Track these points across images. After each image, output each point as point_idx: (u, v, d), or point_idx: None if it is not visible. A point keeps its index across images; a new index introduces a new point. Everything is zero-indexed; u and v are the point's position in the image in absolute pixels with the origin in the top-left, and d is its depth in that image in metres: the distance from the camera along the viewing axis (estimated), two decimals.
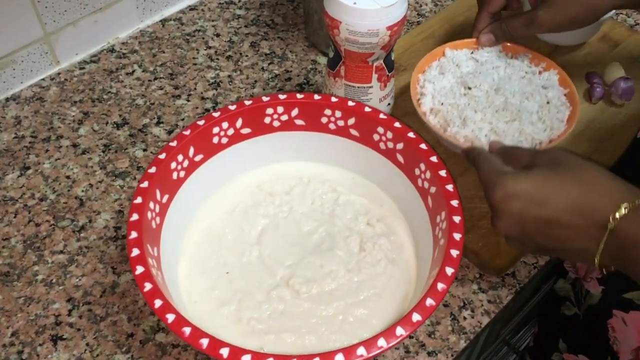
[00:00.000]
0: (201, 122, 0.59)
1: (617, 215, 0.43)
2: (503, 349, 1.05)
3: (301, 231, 0.61)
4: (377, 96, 0.69)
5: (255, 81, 0.79)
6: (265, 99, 0.62)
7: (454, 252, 0.51)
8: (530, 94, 0.65)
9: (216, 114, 0.60)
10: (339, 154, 0.65)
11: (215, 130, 0.60)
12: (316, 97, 0.62)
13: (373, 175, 0.64)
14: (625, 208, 0.43)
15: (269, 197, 0.63)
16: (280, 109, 0.62)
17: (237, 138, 0.62)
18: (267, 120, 0.63)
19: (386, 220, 0.62)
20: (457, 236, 0.52)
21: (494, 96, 0.65)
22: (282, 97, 0.62)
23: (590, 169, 0.47)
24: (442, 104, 0.65)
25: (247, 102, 0.62)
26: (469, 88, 0.66)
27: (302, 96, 0.62)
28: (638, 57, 0.79)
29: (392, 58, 0.67)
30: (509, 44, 0.71)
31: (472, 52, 0.71)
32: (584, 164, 0.48)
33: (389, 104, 0.71)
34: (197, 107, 0.76)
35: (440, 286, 0.49)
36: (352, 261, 0.59)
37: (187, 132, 0.59)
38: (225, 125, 0.61)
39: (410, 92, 0.67)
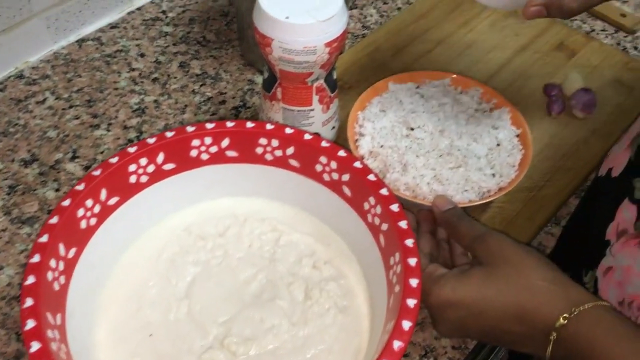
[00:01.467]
0: (114, 160, 0.51)
1: (557, 325, 0.42)
2: None
3: (237, 280, 0.53)
4: (320, 120, 0.61)
5: (186, 106, 0.71)
6: (190, 129, 0.54)
7: (411, 302, 0.44)
8: (479, 135, 0.59)
9: (132, 149, 0.52)
10: (278, 187, 0.57)
11: (132, 167, 0.52)
12: (249, 124, 0.55)
13: (318, 210, 0.57)
14: (564, 319, 0.42)
15: (200, 241, 0.55)
16: (208, 140, 0.54)
17: (159, 175, 0.54)
18: (194, 153, 0.55)
19: (334, 262, 0.54)
20: (414, 282, 0.45)
21: (438, 138, 0.59)
22: (209, 126, 0.54)
23: (530, 271, 0.45)
24: (381, 146, 0.59)
25: (169, 134, 0.53)
26: (412, 129, 0.60)
27: (232, 124, 0.55)
28: (597, 66, 0.74)
29: (335, 77, 0.60)
30: (456, 76, 0.65)
31: (417, 87, 0.64)
32: (524, 262, 0.46)
33: (333, 127, 0.64)
34: (118, 138, 0.67)
35: (397, 345, 0.42)
36: (297, 312, 0.51)
37: (98, 173, 0.50)
38: (143, 161, 0.52)
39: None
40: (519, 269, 0.46)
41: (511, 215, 0.61)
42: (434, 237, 0.55)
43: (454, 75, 0.66)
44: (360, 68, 0.74)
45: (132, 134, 0.67)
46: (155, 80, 0.73)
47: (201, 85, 0.73)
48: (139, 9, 0.80)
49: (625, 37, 0.80)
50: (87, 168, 0.64)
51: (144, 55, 0.75)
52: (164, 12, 0.80)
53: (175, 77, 0.73)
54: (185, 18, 0.80)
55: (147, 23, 0.79)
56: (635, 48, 0.78)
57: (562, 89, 0.70)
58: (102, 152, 0.66)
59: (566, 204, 0.64)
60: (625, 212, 0.47)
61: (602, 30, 0.81)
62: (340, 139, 0.64)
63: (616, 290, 0.48)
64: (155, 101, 0.71)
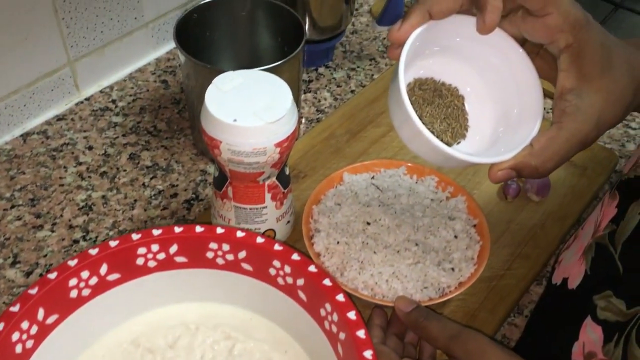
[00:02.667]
0: (52, 275, 0.48)
1: None
2: None
3: None
4: (273, 216, 0.60)
5: (135, 200, 0.68)
6: (135, 236, 0.51)
7: None
8: (435, 227, 0.59)
9: (72, 262, 0.49)
10: (231, 291, 0.55)
11: (73, 282, 0.49)
12: (198, 229, 0.52)
13: (274, 314, 0.54)
14: None
15: (148, 354, 0.52)
16: (155, 247, 0.52)
17: (102, 287, 0.51)
18: (140, 261, 0.52)
19: None
20: None
21: (395, 233, 0.57)
22: (156, 232, 0.52)
23: None
24: (337, 242, 0.57)
25: (113, 244, 0.51)
26: (368, 223, 0.58)
27: (181, 230, 0.52)
28: None
29: (287, 172, 0.59)
30: (411, 164, 0.65)
31: (372, 177, 0.64)
32: None
33: (288, 221, 0.62)
34: (63, 239, 0.64)
35: None
36: None
37: (34, 291, 0.47)
38: (85, 274, 0.49)
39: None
40: None
41: (473, 308, 0.59)
42: (401, 339, 0.53)
43: (409, 164, 0.65)
44: (315, 155, 0.73)
45: (78, 234, 0.64)
46: (103, 174, 0.70)
47: (152, 178, 0.71)
48: (87, 99, 0.79)
49: None
50: (28, 274, 0.61)
51: (92, 147, 0.73)
52: (113, 101, 0.79)
53: (124, 170, 0.71)
54: (136, 107, 0.78)
55: (96, 113, 0.77)
56: None
57: None
58: (45, 256, 0.62)
59: (528, 291, 0.63)
60: (590, 333, 0.45)
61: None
62: (297, 231, 0.63)
63: None
64: (103, 197, 0.68)
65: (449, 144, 0.45)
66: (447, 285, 0.56)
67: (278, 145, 0.52)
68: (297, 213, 0.64)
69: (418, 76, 0.46)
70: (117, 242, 0.51)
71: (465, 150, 0.46)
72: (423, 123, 0.43)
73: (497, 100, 0.46)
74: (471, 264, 0.57)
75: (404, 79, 0.41)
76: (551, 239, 0.65)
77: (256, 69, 0.61)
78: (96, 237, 0.65)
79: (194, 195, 0.69)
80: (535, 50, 0.44)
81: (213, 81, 0.54)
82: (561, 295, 0.50)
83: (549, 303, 0.55)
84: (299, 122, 0.75)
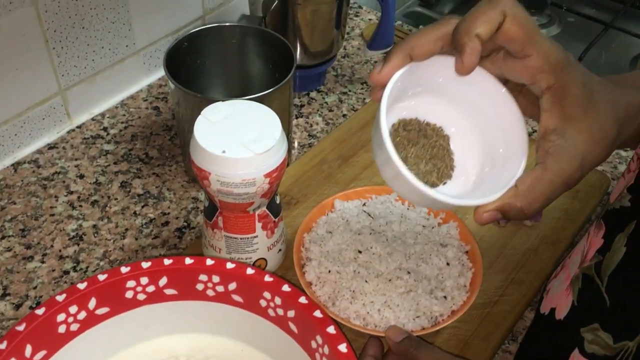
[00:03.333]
0: (40, 311, 0.47)
1: None
2: None
3: None
4: (265, 245, 0.59)
5: (126, 229, 0.68)
6: (124, 269, 0.51)
7: None
8: (427, 255, 0.58)
9: (60, 297, 0.48)
10: (222, 322, 0.54)
11: (61, 317, 0.48)
12: (188, 261, 0.52)
13: (265, 346, 0.54)
14: None
15: None
16: (144, 280, 0.51)
17: (91, 321, 0.50)
18: (130, 294, 0.52)
19: None
20: None
21: (387, 261, 0.57)
22: (145, 265, 0.51)
23: None
24: (329, 271, 0.57)
25: (102, 277, 0.50)
26: (359, 251, 0.58)
27: (170, 262, 0.52)
28: None
29: (278, 201, 0.59)
30: None
31: (364, 204, 0.64)
32: None
33: (279, 250, 0.62)
34: (53, 270, 0.63)
35: None
36: None
37: (21, 328, 0.46)
38: (73, 309, 0.49)
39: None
40: None
41: (466, 335, 0.59)
42: None
43: None
44: (307, 181, 0.73)
45: (69, 265, 0.64)
46: (94, 203, 0.70)
47: (143, 206, 0.70)
48: (79, 127, 0.79)
49: None
50: (18, 307, 0.60)
51: (83, 176, 0.73)
52: (105, 128, 0.79)
53: (115, 199, 0.71)
54: (128, 134, 0.78)
55: (88, 141, 0.77)
56: None
57: None
58: (35, 287, 0.62)
59: (522, 317, 0.62)
60: None
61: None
62: (288, 259, 0.62)
63: None
64: (94, 226, 0.68)
65: (434, 185, 0.45)
66: (439, 314, 0.56)
67: (267, 175, 0.52)
68: (288, 241, 0.64)
69: (402, 117, 0.46)
70: (105, 275, 0.51)
71: (451, 191, 0.45)
72: (408, 164, 0.42)
73: (482, 140, 0.46)
74: (464, 291, 0.57)
75: (385, 121, 0.40)
76: (544, 264, 0.65)
77: (245, 99, 0.61)
78: (87, 267, 0.64)
79: (185, 223, 0.69)
80: (518, 89, 0.44)
81: (202, 112, 0.54)
82: (549, 326, 0.50)
83: (538, 333, 0.54)
84: (290, 149, 0.75)
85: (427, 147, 0.45)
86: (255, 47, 0.73)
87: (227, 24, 0.71)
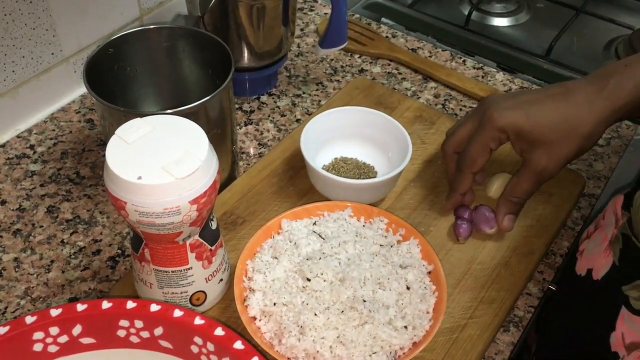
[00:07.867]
0: None
1: None
2: None
3: None
4: (201, 277, 0.53)
5: (52, 261, 0.61)
6: (30, 319, 0.44)
7: None
8: (385, 279, 0.52)
9: None
10: None
11: None
12: (105, 305, 0.45)
13: None
14: None
15: None
16: (54, 331, 0.44)
17: None
18: (38, 347, 0.44)
19: None
20: None
21: (339, 289, 0.51)
22: (55, 313, 0.44)
23: None
24: (274, 304, 0.50)
25: (3, 330, 0.43)
26: (308, 279, 0.51)
27: (84, 307, 0.45)
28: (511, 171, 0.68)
29: (214, 227, 0.52)
30: (357, 205, 0.59)
31: (314, 223, 0.57)
32: None
33: (221, 279, 0.55)
34: None
35: None
36: None
37: None
38: None
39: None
40: None
41: None
42: None
43: (356, 204, 0.59)
44: (255, 196, 0.66)
45: None
46: (17, 232, 0.63)
47: (72, 234, 0.63)
48: (2, 145, 0.71)
49: None
50: None
51: (5, 202, 0.65)
52: (32, 146, 0.71)
53: (41, 227, 0.63)
54: (57, 152, 0.71)
55: (12, 162, 0.69)
56: None
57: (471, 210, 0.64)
58: None
59: (494, 340, 0.56)
60: (630, 323, 0.45)
61: None
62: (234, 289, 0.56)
63: None
64: (16, 259, 0.60)
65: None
66: (399, 347, 0.49)
67: (194, 202, 0.45)
68: (233, 266, 0.57)
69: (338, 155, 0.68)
70: (7, 327, 0.43)
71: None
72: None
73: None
74: (426, 319, 0.51)
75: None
76: (517, 278, 0.59)
77: (178, 111, 0.54)
78: (5, 308, 0.57)
79: (119, 251, 0.62)
80: None
81: (116, 132, 0.46)
82: (586, 286, 0.50)
83: (573, 293, 0.54)
84: (236, 162, 0.68)
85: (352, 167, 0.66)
86: (190, 50, 0.65)
87: (154, 26, 0.63)
